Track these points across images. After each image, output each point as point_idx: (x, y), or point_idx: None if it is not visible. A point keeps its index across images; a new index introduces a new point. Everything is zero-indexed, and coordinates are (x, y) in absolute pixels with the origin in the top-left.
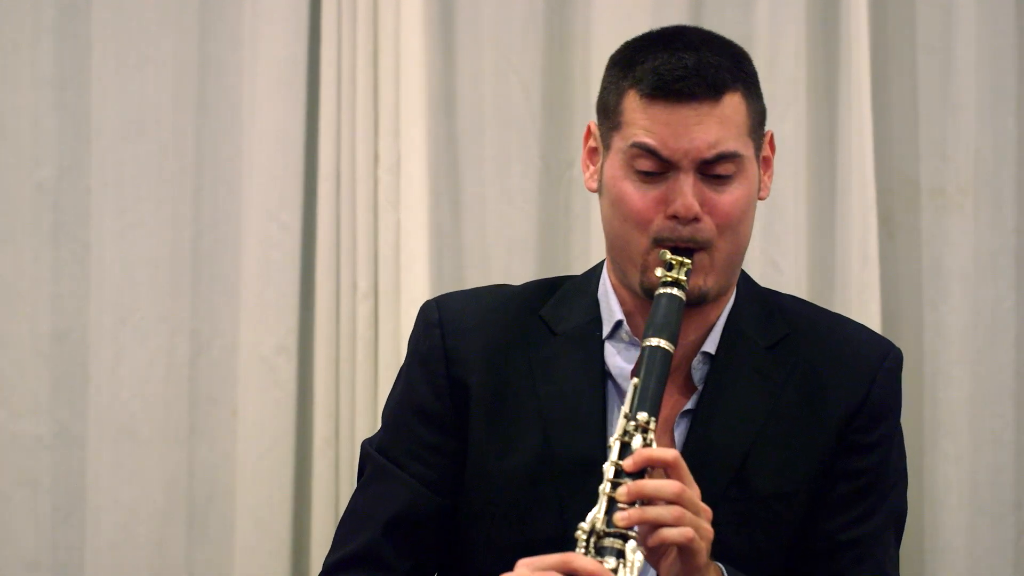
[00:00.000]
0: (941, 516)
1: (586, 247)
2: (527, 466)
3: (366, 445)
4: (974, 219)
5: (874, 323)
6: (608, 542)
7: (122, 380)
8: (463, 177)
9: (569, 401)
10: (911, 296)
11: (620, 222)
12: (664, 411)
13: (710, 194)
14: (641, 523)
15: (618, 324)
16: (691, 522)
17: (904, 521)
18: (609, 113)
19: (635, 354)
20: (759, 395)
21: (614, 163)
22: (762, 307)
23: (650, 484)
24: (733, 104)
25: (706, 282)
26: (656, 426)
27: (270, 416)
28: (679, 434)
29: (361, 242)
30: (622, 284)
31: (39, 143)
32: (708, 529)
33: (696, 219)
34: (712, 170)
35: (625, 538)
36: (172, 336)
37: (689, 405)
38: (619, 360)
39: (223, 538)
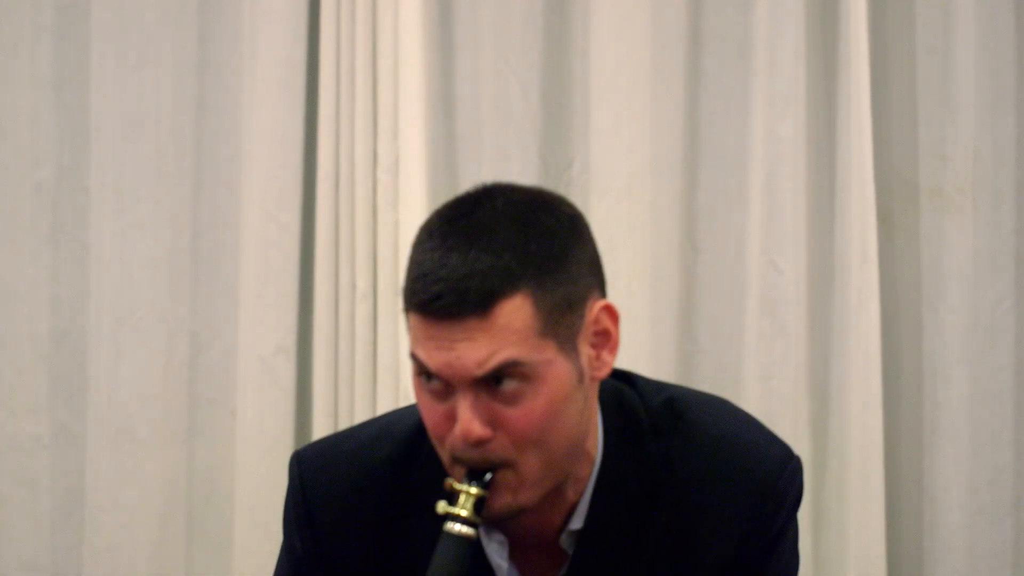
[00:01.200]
0: (940, 516)
1: None
2: None
3: None
4: (973, 219)
5: (873, 324)
6: None
7: (121, 380)
8: (462, 177)
9: None
10: (910, 296)
11: (428, 432)
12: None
13: (499, 410)
14: None
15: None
16: None
17: None
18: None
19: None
20: (634, 556)
21: (412, 364)
22: (636, 450)
23: None
24: (510, 311)
25: (516, 498)
26: None
27: (269, 416)
28: None
29: (360, 242)
30: None
31: (38, 143)
32: None
33: (483, 440)
34: (493, 383)
35: None
36: (171, 336)
37: (563, 572)
38: (496, 558)
39: (222, 539)
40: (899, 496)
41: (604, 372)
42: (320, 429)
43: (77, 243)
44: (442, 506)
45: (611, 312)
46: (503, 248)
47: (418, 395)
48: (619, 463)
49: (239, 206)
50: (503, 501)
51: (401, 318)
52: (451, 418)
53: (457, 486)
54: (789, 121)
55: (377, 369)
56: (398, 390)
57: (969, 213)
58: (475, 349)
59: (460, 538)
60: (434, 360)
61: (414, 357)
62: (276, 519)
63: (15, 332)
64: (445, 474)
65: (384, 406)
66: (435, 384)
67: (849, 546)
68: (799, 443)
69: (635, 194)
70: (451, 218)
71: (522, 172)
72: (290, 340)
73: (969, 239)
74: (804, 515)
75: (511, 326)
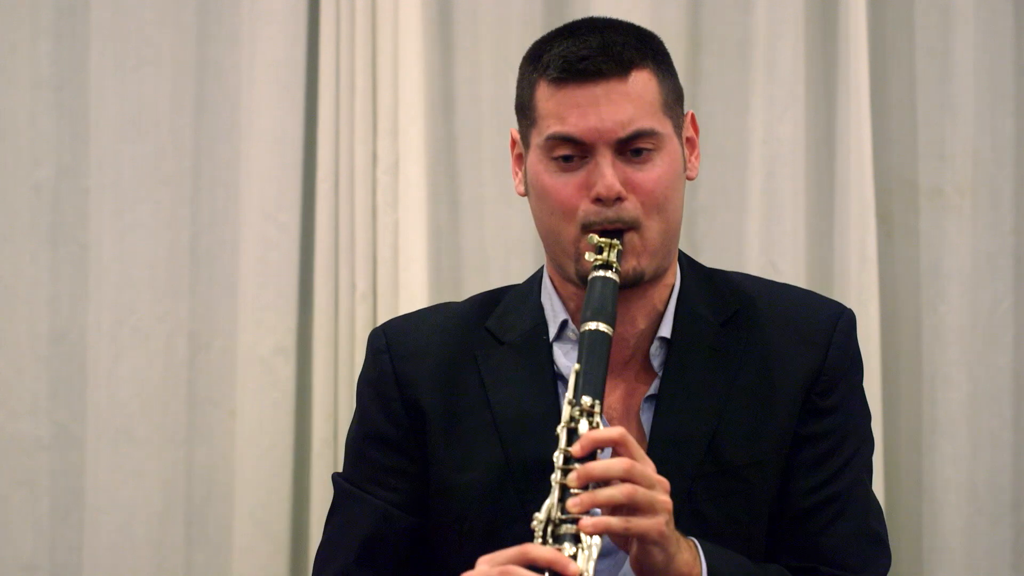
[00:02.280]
0: (939, 516)
1: None
2: (488, 477)
3: (335, 476)
4: (972, 220)
5: (873, 324)
6: (564, 529)
7: (120, 381)
8: (461, 178)
9: (522, 407)
10: (909, 297)
11: (548, 215)
12: (627, 399)
13: (631, 173)
14: (593, 506)
15: (563, 324)
16: (644, 498)
17: (871, 472)
18: (525, 111)
19: None
20: (717, 372)
21: (535, 160)
22: (710, 286)
23: (598, 465)
24: (642, 80)
25: (640, 262)
26: (601, 408)
27: (268, 417)
28: (645, 420)
29: (359, 243)
30: (563, 279)
31: (37, 144)
32: (665, 501)
33: (620, 199)
34: (630, 147)
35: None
36: (170, 337)
37: (652, 391)
38: (568, 360)
39: (221, 539)
40: (898, 496)
41: (694, 173)
42: (320, 429)
43: (76, 243)
44: (590, 255)
45: (695, 121)
46: (629, 34)
47: (545, 179)
48: (697, 286)
49: (238, 206)
50: (630, 264)
51: None
52: (584, 187)
53: (600, 240)
54: (789, 121)
55: None
56: None
57: (968, 213)
58: (618, 111)
59: (609, 280)
60: (580, 125)
61: (554, 137)
62: (276, 519)
63: (14, 333)
64: (522, 318)
65: None
66: (568, 160)
67: None
68: None
69: None
70: (570, 24)
71: None
72: (290, 340)
73: (968, 239)
74: None
75: (645, 96)
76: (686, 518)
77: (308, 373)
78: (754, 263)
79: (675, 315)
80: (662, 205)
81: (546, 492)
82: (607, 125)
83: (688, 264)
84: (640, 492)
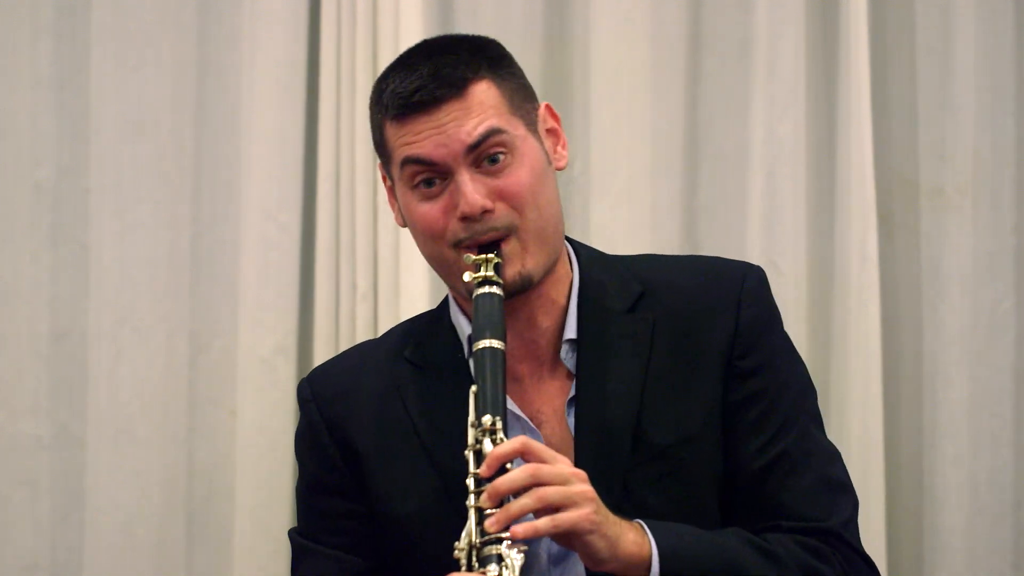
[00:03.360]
0: (940, 516)
1: None
2: (429, 503)
3: (291, 533)
4: (973, 219)
5: (874, 323)
6: (487, 551)
7: (121, 381)
8: None
9: (450, 430)
10: (910, 296)
11: (423, 242)
12: (553, 402)
13: (492, 183)
14: (511, 520)
15: (470, 339)
16: (557, 495)
17: (820, 419)
18: (381, 150)
19: None
20: (630, 359)
21: (402, 191)
22: (611, 273)
23: (503, 480)
24: (479, 91)
25: (524, 266)
26: (504, 424)
27: (269, 417)
28: (571, 422)
29: (360, 243)
30: (462, 298)
31: (38, 144)
32: (584, 490)
33: (487, 211)
34: (484, 154)
35: (501, 541)
36: (171, 337)
37: (572, 392)
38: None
39: (222, 538)
40: (899, 496)
41: (562, 163)
42: None
43: (77, 244)
44: (468, 275)
45: (552, 110)
46: (459, 52)
47: (413, 209)
48: (596, 276)
49: (239, 207)
50: (515, 269)
51: (402, 318)
52: (449, 208)
53: (475, 258)
54: (789, 121)
55: None
56: None
57: (969, 213)
58: (461, 124)
59: (492, 295)
60: (426, 147)
61: (407, 162)
62: (276, 519)
63: (15, 333)
64: (437, 342)
65: None
66: (430, 185)
67: None
68: None
69: (635, 194)
70: (403, 55)
71: None
72: (290, 340)
73: (969, 239)
74: None
75: (486, 102)
76: (630, 510)
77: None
78: (754, 263)
79: (578, 311)
80: (532, 203)
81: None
82: (454, 138)
83: (586, 254)
84: (551, 491)
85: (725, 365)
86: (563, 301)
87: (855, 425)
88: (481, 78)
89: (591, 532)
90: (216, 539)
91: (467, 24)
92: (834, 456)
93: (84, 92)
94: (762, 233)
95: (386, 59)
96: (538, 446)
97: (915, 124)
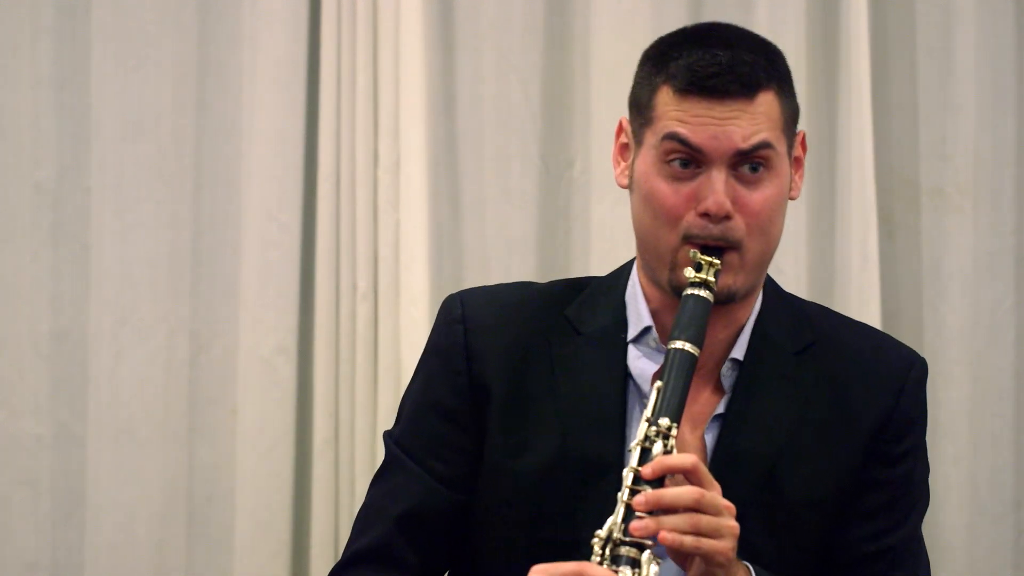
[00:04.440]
0: (941, 516)
1: (586, 247)
2: (543, 466)
3: (386, 436)
4: (973, 220)
5: (874, 324)
6: (624, 551)
7: (122, 380)
8: (463, 177)
9: (589, 402)
10: (911, 297)
11: (651, 219)
12: (694, 413)
13: (742, 192)
14: (657, 532)
15: (646, 330)
16: (709, 526)
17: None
18: (642, 108)
19: (660, 359)
20: (788, 401)
21: (646, 159)
22: (789, 313)
23: (668, 493)
24: (767, 102)
25: (735, 282)
26: (677, 432)
27: (270, 416)
28: (710, 438)
29: (361, 242)
30: (651, 282)
31: (38, 143)
32: (732, 526)
33: (727, 217)
34: (746, 163)
35: (641, 547)
36: (172, 336)
37: (720, 409)
38: (643, 363)
39: (223, 539)
40: None
41: (796, 193)
42: (321, 429)
43: (78, 243)
44: (690, 272)
45: (804, 141)
46: (759, 53)
47: (655, 182)
48: (776, 311)
49: (240, 206)
50: (726, 282)
51: (402, 317)
52: (692, 199)
53: (701, 257)
54: None
55: (378, 369)
56: (399, 390)
57: (969, 213)
58: (741, 126)
59: (705, 300)
60: (700, 135)
61: (672, 137)
62: (276, 519)
63: (16, 332)
64: (603, 312)
65: (385, 406)
66: (684, 167)
67: None
68: None
69: None
70: (700, 30)
71: (523, 172)
72: (291, 340)
73: (969, 239)
74: None
75: (769, 114)
76: (739, 546)
77: (309, 373)
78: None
79: (751, 337)
80: (766, 227)
81: (596, 494)
82: (728, 138)
83: (771, 287)
84: (704, 520)
85: (871, 442)
86: (742, 322)
87: None
88: (771, 88)
89: (722, 567)
90: (216, 539)
91: (467, 24)
92: (928, 566)
93: (84, 92)
94: None
95: (386, 59)
96: (704, 470)
97: (915, 124)
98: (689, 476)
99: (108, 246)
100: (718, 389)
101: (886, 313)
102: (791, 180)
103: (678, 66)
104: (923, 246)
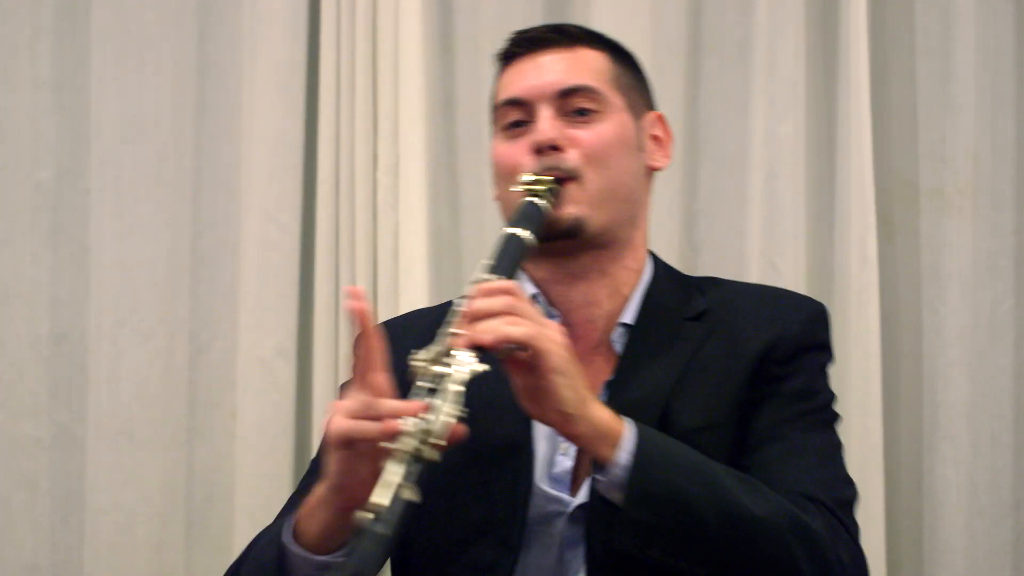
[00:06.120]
0: (940, 517)
1: None
2: (452, 454)
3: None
4: (973, 221)
5: (873, 325)
6: (444, 361)
7: (121, 382)
8: (462, 179)
9: (489, 385)
10: (910, 298)
11: (498, 183)
12: (588, 383)
13: (572, 130)
14: (473, 343)
15: (532, 298)
16: (526, 312)
17: (840, 459)
18: (493, 105)
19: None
20: (678, 353)
21: (494, 140)
22: (681, 285)
23: (481, 303)
24: (591, 55)
25: (579, 210)
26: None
27: (269, 418)
28: (604, 399)
29: (360, 244)
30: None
31: (38, 144)
32: (556, 335)
33: (556, 148)
34: (572, 107)
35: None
36: (171, 338)
37: (612, 376)
38: None
39: (222, 540)
40: (899, 497)
41: (660, 164)
42: (320, 430)
43: (77, 245)
44: (523, 182)
45: (665, 123)
46: (591, 31)
47: (496, 149)
48: (667, 284)
49: (239, 208)
50: (568, 210)
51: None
52: (526, 148)
53: (529, 177)
54: (789, 122)
55: None
56: None
57: (969, 214)
58: (559, 69)
59: (536, 204)
60: (521, 85)
61: (501, 104)
62: None
63: (15, 333)
64: None
65: None
66: (517, 127)
67: None
68: None
69: None
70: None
71: None
72: (290, 342)
73: (969, 240)
74: None
75: (590, 64)
76: None
77: (308, 374)
78: (754, 263)
79: (642, 304)
80: (603, 159)
81: (508, 472)
82: (546, 79)
83: (664, 267)
84: (525, 321)
85: (758, 364)
86: (627, 292)
87: (854, 426)
88: (596, 48)
89: (556, 371)
90: (216, 540)
91: (467, 24)
92: (839, 447)
93: (84, 93)
94: (762, 234)
95: (386, 59)
96: (525, 296)
97: (915, 125)
98: (514, 296)
99: (107, 247)
100: (609, 356)
101: (885, 314)
102: (640, 142)
103: (505, 43)
104: (922, 247)
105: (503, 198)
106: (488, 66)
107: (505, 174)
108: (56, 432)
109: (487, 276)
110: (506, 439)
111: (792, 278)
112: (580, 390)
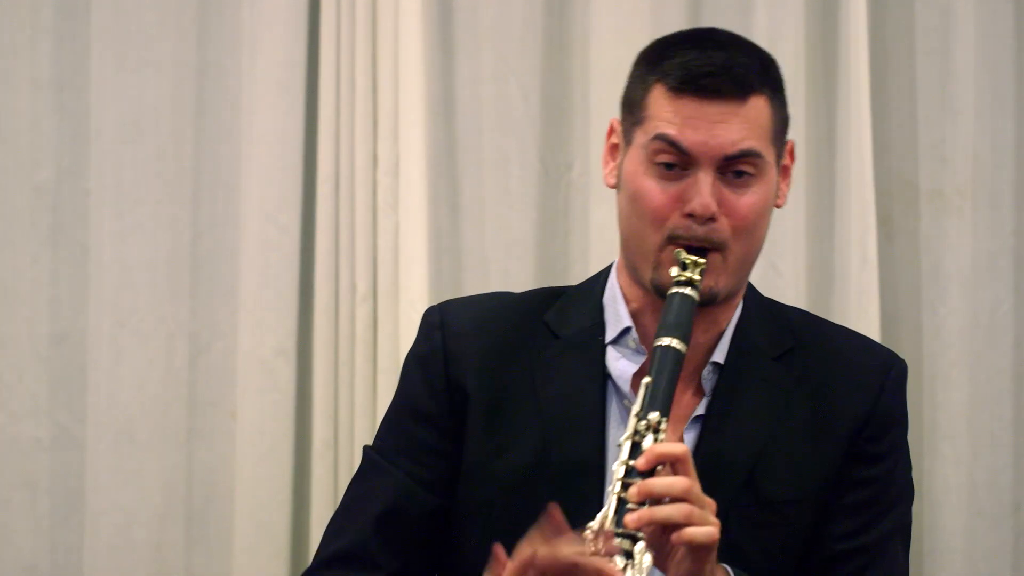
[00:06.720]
0: (940, 518)
1: (584, 249)
2: (524, 467)
3: (365, 447)
4: (972, 221)
5: (873, 325)
6: (617, 542)
7: (121, 382)
8: (462, 179)
9: (569, 403)
10: (910, 298)
11: (636, 218)
12: (675, 415)
13: (728, 195)
14: (651, 524)
15: (625, 331)
16: (699, 519)
17: (910, 534)
18: (633, 108)
19: (639, 360)
20: (767, 403)
21: (635, 158)
22: (769, 318)
23: (660, 483)
24: (758, 107)
25: (717, 283)
26: (667, 426)
27: (269, 419)
28: (689, 439)
29: (360, 244)
30: (633, 282)
31: (38, 145)
32: (715, 521)
33: (712, 219)
34: (732, 168)
35: (634, 539)
36: (171, 338)
37: (700, 411)
38: (622, 364)
39: (222, 541)
40: None
41: (783, 201)
42: (320, 431)
43: (77, 245)
44: (675, 271)
45: (793, 150)
46: (753, 58)
47: (642, 181)
48: (757, 316)
49: (239, 208)
50: (708, 282)
51: (401, 319)
52: (678, 200)
53: (686, 256)
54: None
55: (377, 371)
56: None
57: (969, 215)
58: (731, 131)
59: (690, 298)
60: (690, 137)
61: (662, 138)
62: (276, 521)
63: (15, 334)
64: (581, 315)
65: (384, 408)
66: (671, 169)
67: None
68: None
69: None
70: (695, 33)
71: (522, 174)
72: (290, 342)
73: (968, 241)
74: None
75: (758, 120)
76: (723, 548)
77: (308, 375)
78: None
79: (732, 340)
80: (751, 231)
81: (578, 493)
82: (716, 142)
83: (751, 292)
84: (696, 512)
85: (851, 442)
86: (723, 326)
87: None
88: (763, 94)
89: (707, 562)
90: (216, 541)
91: (467, 24)
92: (906, 572)
93: (84, 93)
94: None
95: (386, 59)
96: (691, 461)
97: (915, 126)
98: (678, 466)
99: (107, 248)
100: (698, 392)
101: (885, 315)
102: (777, 188)
103: (672, 64)
104: (922, 248)
105: (642, 240)
106: (488, 65)
107: (651, 219)
108: (56, 432)
109: (653, 416)
110: (579, 459)
111: (792, 278)
112: (711, 567)
